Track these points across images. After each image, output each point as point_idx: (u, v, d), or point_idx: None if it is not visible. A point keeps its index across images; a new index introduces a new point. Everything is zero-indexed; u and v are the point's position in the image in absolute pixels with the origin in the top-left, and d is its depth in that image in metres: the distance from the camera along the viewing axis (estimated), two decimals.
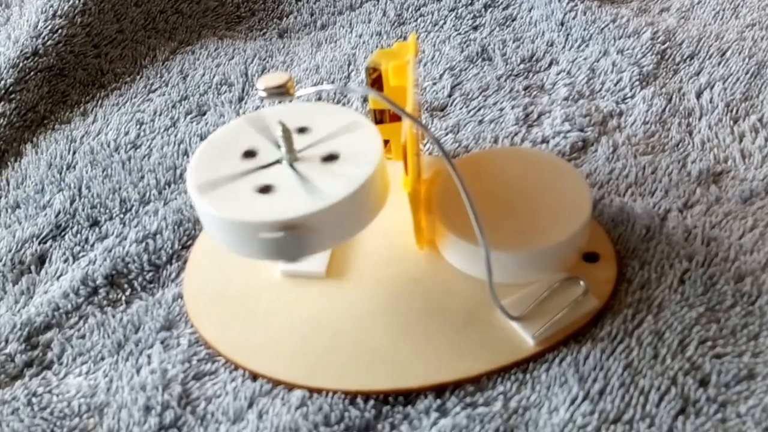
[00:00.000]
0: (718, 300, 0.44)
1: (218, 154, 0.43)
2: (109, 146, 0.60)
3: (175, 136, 0.61)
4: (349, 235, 0.42)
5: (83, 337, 0.46)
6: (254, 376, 0.43)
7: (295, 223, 0.39)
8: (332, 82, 0.66)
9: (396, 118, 0.50)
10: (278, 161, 0.42)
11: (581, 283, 0.44)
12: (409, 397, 0.42)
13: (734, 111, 0.59)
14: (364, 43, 0.71)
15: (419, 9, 0.76)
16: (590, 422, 0.39)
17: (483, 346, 0.43)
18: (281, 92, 0.39)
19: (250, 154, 0.43)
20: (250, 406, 0.42)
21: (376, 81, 0.49)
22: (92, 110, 0.65)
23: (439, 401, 0.41)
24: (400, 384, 0.42)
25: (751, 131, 0.57)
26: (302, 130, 0.44)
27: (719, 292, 0.45)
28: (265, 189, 0.41)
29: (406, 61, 0.47)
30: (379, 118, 0.50)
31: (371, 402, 0.41)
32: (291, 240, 0.39)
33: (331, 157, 0.42)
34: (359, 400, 0.41)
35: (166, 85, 0.67)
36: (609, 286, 0.45)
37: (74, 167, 0.59)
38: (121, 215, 0.54)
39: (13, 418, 0.42)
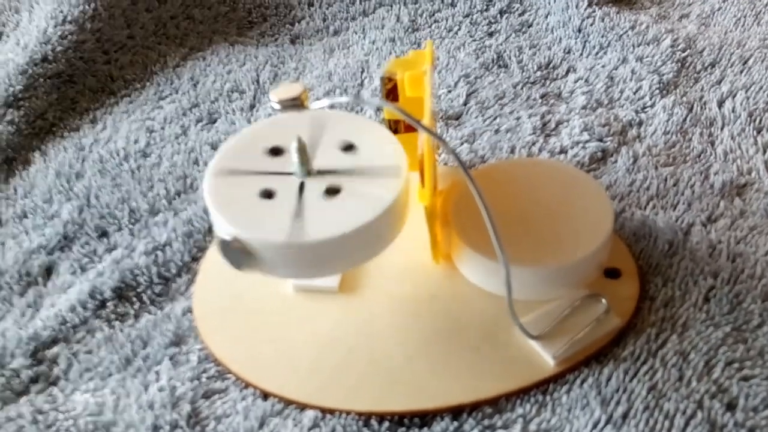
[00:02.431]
0: (744, 319, 0.43)
1: (254, 142, 0.44)
2: (118, 155, 0.59)
3: (186, 144, 0.60)
4: (320, 272, 0.41)
5: (90, 352, 0.45)
6: (265, 395, 0.42)
7: (237, 241, 0.39)
8: (345, 90, 0.65)
9: (411, 128, 0.49)
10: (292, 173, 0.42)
11: (603, 300, 0.43)
12: (425, 418, 0.40)
13: (757, 121, 0.58)
14: (377, 49, 0.70)
15: (433, 15, 0.75)
16: None
17: (501, 366, 0.41)
18: (295, 104, 0.38)
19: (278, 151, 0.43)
20: (260, 426, 0.40)
21: (391, 91, 0.47)
22: (101, 118, 0.64)
23: (456, 423, 0.40)
24: (415, 405, 0.40)
25: None
26: (349, 148, 0.43)
27: (746, 311, 0.43)
28: (268, 194, 0.41)
29: (422, 71, 0.45)
30: (394, 128, 0.49)
31: (386, 423, 0.40)
32: (235, 251, 0.39)
33: (334, 191, 0.41)
34: (373, 421, 0.40)
35: (177, 92, 0.66)
36: (631, 303, 0.44)
37: (83, 176, 0.58)
38: (130, 226, 0.53)
39: None
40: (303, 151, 0.41)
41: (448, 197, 0.47)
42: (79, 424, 0.42)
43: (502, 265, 0.39)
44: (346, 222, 0.39)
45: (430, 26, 0.73)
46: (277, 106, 0.38)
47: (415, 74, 0.45)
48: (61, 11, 0.68)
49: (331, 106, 0.45)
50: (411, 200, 0.43)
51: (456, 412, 0.40)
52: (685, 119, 0.59)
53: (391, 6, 0.77)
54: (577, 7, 0.71)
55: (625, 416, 0.39)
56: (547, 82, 0.65)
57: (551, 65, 0.66)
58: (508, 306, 0.40)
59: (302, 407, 0.41)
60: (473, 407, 0.40)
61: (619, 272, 0.46)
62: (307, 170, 0.41)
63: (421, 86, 0.45)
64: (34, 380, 0.44)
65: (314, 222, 0.39)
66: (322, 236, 0.38)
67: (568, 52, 0.68)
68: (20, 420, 0.42)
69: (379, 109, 0.61)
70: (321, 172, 0.42)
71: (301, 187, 0.41)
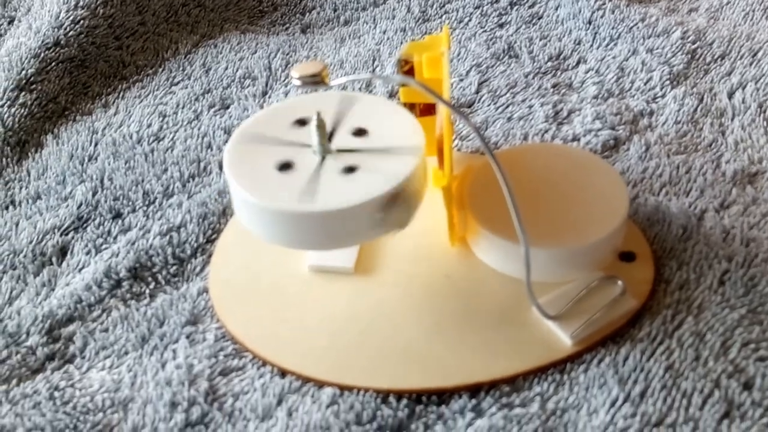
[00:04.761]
0: (760, 302, 0.43)
1: (284, 115, 0.44)
2: (131, 138, 0.59)
3: (199, 129, 0.60)
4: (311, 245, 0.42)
5: (106, 330, 0.45)
6: (283, 373, 0.42)
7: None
8: None
9: (427, 112, 0.49)
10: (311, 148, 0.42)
11: (619, 282, 0.43)
12: (442, 396, 0.40)
13: (767, 112, 0.58)
14: (388, 39, 0.70)
15: (444, 6, 0.75)
16: (632, 425, 0.38)
17: (518, 346, 0.42)
18: (316, 81, 0.38)
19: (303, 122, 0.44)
20: (279, 403, 0.41)
21: (407, 74, 0.48)
22: (114, 102, 0.64)
23: (474, 401, 0.40)
24: (433, 383, 0.40)
25: None
26: (360, 132, 0.43)
27: (761, 293, 0.43)
28: (286, 166, 0.41)
29: (440, 52, 0.45)
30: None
31: (404, 401, 0.40)
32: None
33: (350, 169, 0.41)
34: (391, 398, 0.40)
35: (189, 78, 0.66)
36: (647, 286, 0.44)
37: (96, 159, 0.58)
38: (145, 208, 0.53)
39: (35, 412, 0.41)
40: (322, 129, 0.41)
41: (464, 181, 0.47)
42: (96, 400, 0.42)
43: (522, 244, 0.39)
44: (352, 195, 0.39)
45: (440, 17, 0.74)
46: (298, 82, 0.38)
47: (433, 55, 0.46)
48: None
49: (347, 84, 0.45)
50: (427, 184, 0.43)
51: (474, 390, 0.40)
52: (695, 109, 0.59)
53: None
54: None
55: (642, 394, 0.39)
56: (558, 72, 0.65)
57: (562, 56, 0.67)
58: (524, 287, 0.40)
59: (320, 384, 0.41)
60: (491, 386, 0.40)
61: (634, 256, 0.46)
62: (326, 148, 0.42)
63: (439, 67, 0.45)
64: (50, 358, 0.44)
65: (326, 193, 0.39)
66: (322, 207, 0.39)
67: (579, 44, 0.68)
68: (37, 396, 0.42)
69: (391, 95, 0.62)
70: (340, 151, 0.42)
71: (321, 162, 0.41)
